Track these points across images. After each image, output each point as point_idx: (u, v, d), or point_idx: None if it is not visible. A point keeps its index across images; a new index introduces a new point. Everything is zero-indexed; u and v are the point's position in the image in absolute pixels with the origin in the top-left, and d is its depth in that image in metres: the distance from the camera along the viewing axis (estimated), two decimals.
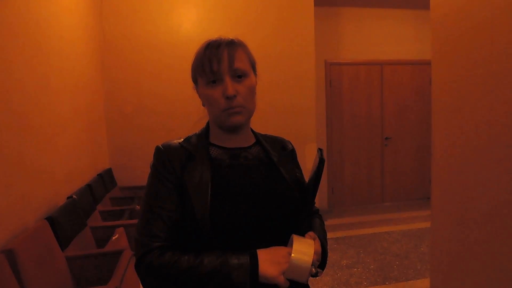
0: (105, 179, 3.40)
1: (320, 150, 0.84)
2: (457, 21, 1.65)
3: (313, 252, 0.70)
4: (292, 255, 0.68)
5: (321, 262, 0.82)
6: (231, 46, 0.80)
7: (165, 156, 0.80)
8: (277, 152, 0.90)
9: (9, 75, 1.90)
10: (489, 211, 1.50)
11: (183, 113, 3.80)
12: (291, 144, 0.98)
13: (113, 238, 2.30)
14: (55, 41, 2.58)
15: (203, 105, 0.86)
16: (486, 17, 1.47)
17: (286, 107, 4.18)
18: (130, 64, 3.86)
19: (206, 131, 0.88)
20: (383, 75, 4.86)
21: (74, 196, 2.44)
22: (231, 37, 0.83)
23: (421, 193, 5.04)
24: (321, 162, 0.77)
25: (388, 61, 4.86)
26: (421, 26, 4.83)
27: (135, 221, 2.83)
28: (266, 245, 0.74)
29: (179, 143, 0.84)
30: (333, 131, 4.80)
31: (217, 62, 0.78)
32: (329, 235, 4.08)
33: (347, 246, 3.55)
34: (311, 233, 0.82)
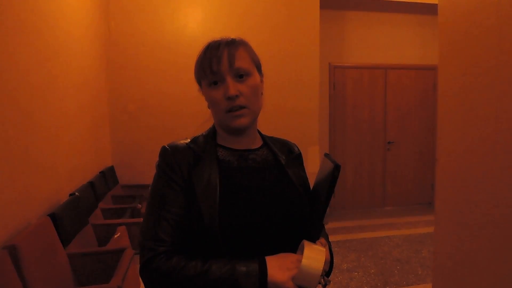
0: (107, 177, 3.41)
1: (328, 155, 0.81)
2: (465, 27, 1.65)
3: (323, 259, 0.68)
4: (303, 261, 0.67)
5: (328, 270, 0.80)
6: (231, 45, 0.77)
7: (172, 157, 0.78)
8: (284, 155, 0.88)
9: (16, 71, 1.90)
10: (495, 219, 1.49)
11: (187, 113, 3.80)
12: (297, 147, 0.96)
13: (115, 236, 2.30)
14: (62, 38, 2.59)
15: (209, 107, 0.83)
16: (494, 24, 1.46)
17: (289, 109, 4.18)
18: (134, 63, 3.87)
19: (213, 131, 0.86)
20: (387, 79, 4.86)
21: (76, 193, 2.44)
22: (232, 37, 0.80)
23: (423, 198, 5.03)
24: (336, 168, 0.72)
25: (392, 65, 4.86)
26: (425, 32, 4.83)
27: (136, 219, 2.85)
28: (274, 249, 0.72)
29: (186, 144, 0.81)
30: (336, 134, 4.79)
31: (217, 63, 0.75)
32: (330, 238, 4.04)
33: (347, 249, 3.54)
34: (322, 240, 0.80)
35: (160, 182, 0.77)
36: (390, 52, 4.84)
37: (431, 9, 1.95)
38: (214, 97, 0.78)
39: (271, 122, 3.90)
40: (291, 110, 4.18)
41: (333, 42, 4.67)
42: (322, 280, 0.68)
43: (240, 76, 0.77)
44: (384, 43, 4.83)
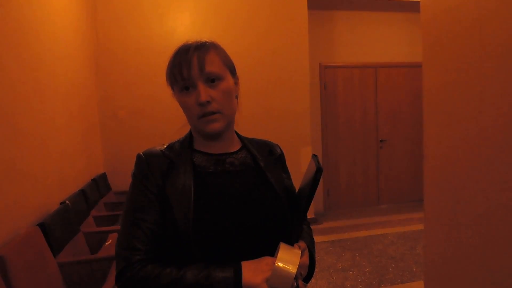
0: (99, 184, 3.38)
1: (315, 157, 0.79)
2: (447, 24, 1.66)
3: (298, 262, 0.67)
4: (276, 263, 0.66)
5: (308, 272, 0.80)
6: (201, 49, 0.76)
7: (145, 164, 0.77)
8: (264, 157, 0.86)
9: (0, 77, 1.88)
10: (482, 213, 1.50)
11: (178, 118, 3.76)
12: (279, 148, 0.94)
13: (106, 243, 2.28)
14: (48, 44, 2.56)
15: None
16: (475, 19, 1.48)
17: (280, 111, 4.18)
18: (124, 68, 3.85)
19: (189, 137, 0.85)
20: (378, 77, 4.89)
21: (67, 202, 2.42)
22: (204, 39, 0.78)
23: (416, 195, 5.04)
24: (318, 171, 0.71)
25: (382, 63, 4.89)
26: (414, 29, 4.86)
27: None
28: (252, 255, 0.71)
29: (161, 150, 0.80)
30: (328, 134, 4.80)
31: (187, 68, 0.74)
32: (324, 237, 4.09)
33: (342, 249, 3.55)
34: (301, 244, 0.78)
35: (134, 190, 0.77)
36: (380, 51, 4.87)
37: (419, 7, 1.97)
38: (186, 103, 0.76)
39: (262, 124, 3.93)
40: (282, 111, 4.19)
41: (322, 42, 4.69)
42: (295, 283, 0.67)
43: (212, 80, 0.75)
44: (373, 41, 4.86)
